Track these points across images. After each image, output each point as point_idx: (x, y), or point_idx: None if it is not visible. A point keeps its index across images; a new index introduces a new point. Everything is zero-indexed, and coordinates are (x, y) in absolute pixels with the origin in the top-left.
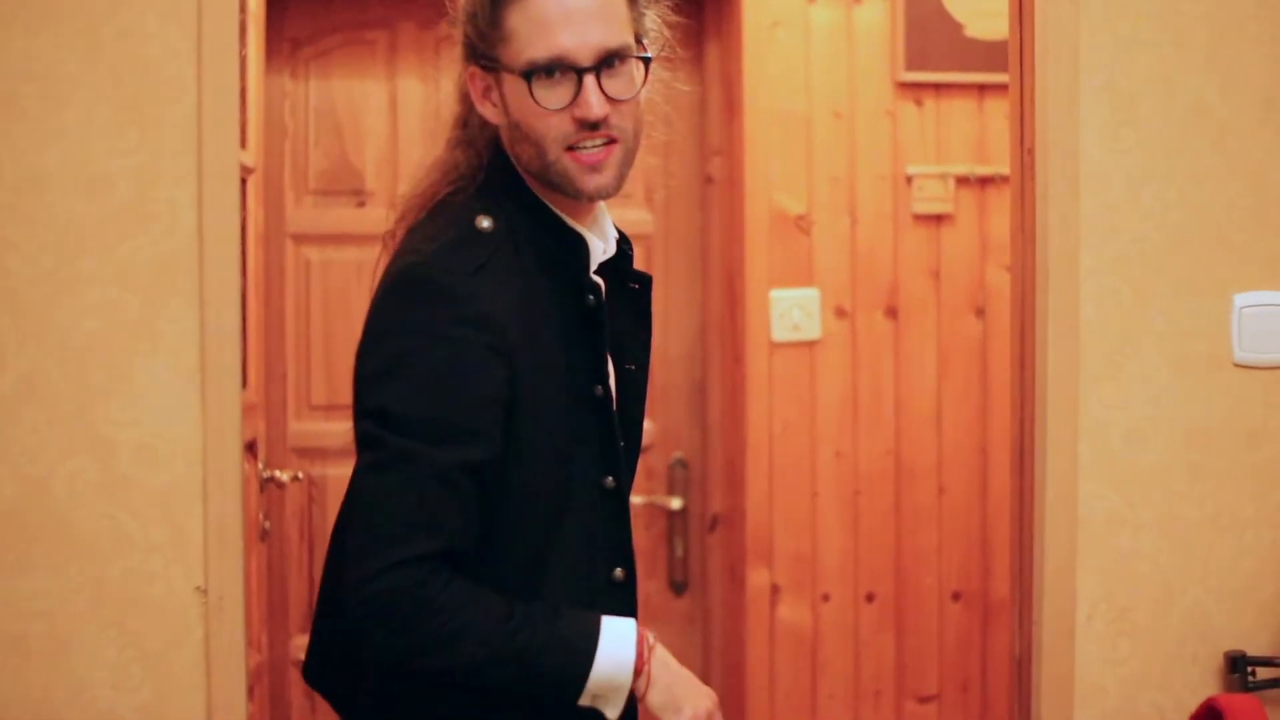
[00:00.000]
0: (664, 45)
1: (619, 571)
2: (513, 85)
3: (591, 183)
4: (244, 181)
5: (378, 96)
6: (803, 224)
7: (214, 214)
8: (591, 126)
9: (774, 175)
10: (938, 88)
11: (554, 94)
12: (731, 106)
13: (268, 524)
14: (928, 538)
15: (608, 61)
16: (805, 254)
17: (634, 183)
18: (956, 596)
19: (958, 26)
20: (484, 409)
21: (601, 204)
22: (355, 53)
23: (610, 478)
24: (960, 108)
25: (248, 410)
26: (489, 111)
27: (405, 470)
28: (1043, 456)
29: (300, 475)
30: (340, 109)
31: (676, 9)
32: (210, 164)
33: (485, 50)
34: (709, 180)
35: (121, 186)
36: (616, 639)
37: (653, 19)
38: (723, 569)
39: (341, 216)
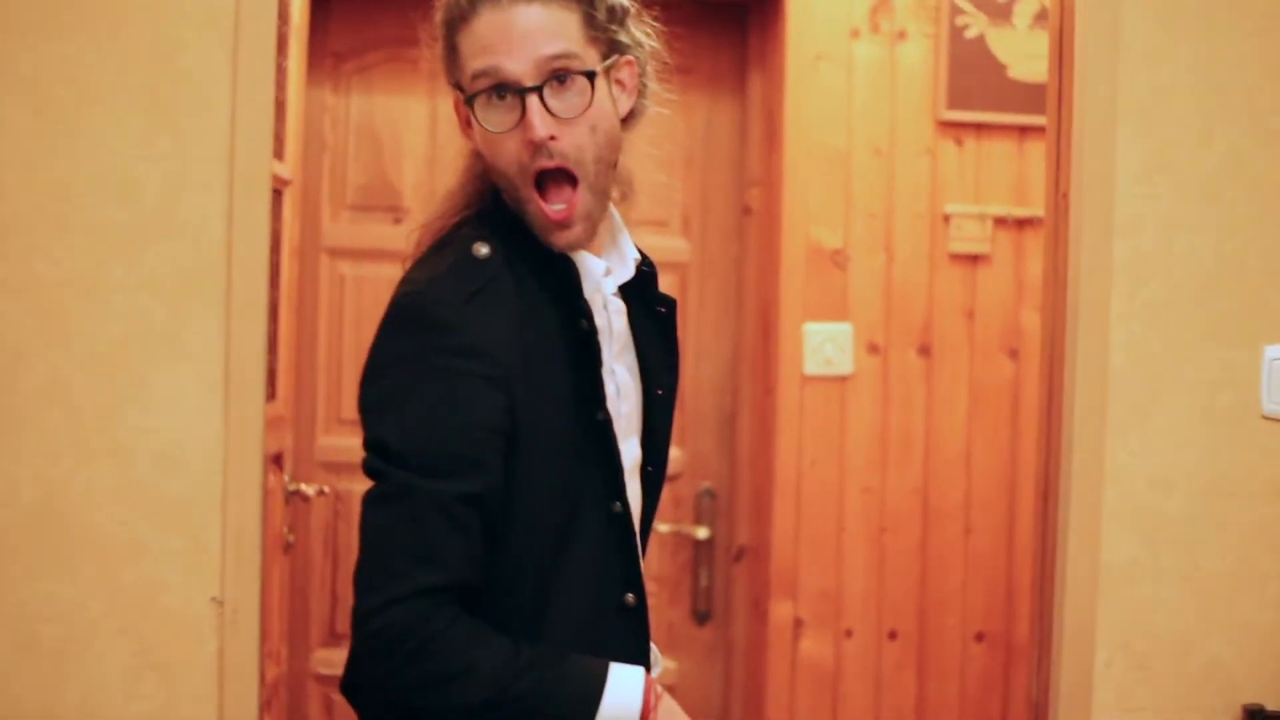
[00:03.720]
0: (654, 57)
1: (629, 597)
2: (471, 114)
3: (562, 239)
4: (280, 193)
5: (418, 114)
6: (839, 258)
7: (244, 224)
8: (547, 154)
9: (812, 208)
10: (979, 127)
11: (500, 117)
12: (772, 138)
13: (291, 536)
14: (953, 577)
15: (560, 78)
16: (840, 288)
17: (671, 210)
18: (980, 637)
19: (1001, 67)
20: (482, 438)
21: (619, 225)
22: (397, 69)
23: (617, 503)
24: (1000, 148)
25: (276, 422)
26: (471, 139)
27: (406, 504)
28: (1066, 501)
29: (326, 489)
30: (380, 125)
31: (719, 39)
32: (241, 174)
33: (453, 80)
34: (747, 211)
35: (151, 193)
36: (623, 686)
37: (634, 31)
38: (746, 600)
39: (377, 232)
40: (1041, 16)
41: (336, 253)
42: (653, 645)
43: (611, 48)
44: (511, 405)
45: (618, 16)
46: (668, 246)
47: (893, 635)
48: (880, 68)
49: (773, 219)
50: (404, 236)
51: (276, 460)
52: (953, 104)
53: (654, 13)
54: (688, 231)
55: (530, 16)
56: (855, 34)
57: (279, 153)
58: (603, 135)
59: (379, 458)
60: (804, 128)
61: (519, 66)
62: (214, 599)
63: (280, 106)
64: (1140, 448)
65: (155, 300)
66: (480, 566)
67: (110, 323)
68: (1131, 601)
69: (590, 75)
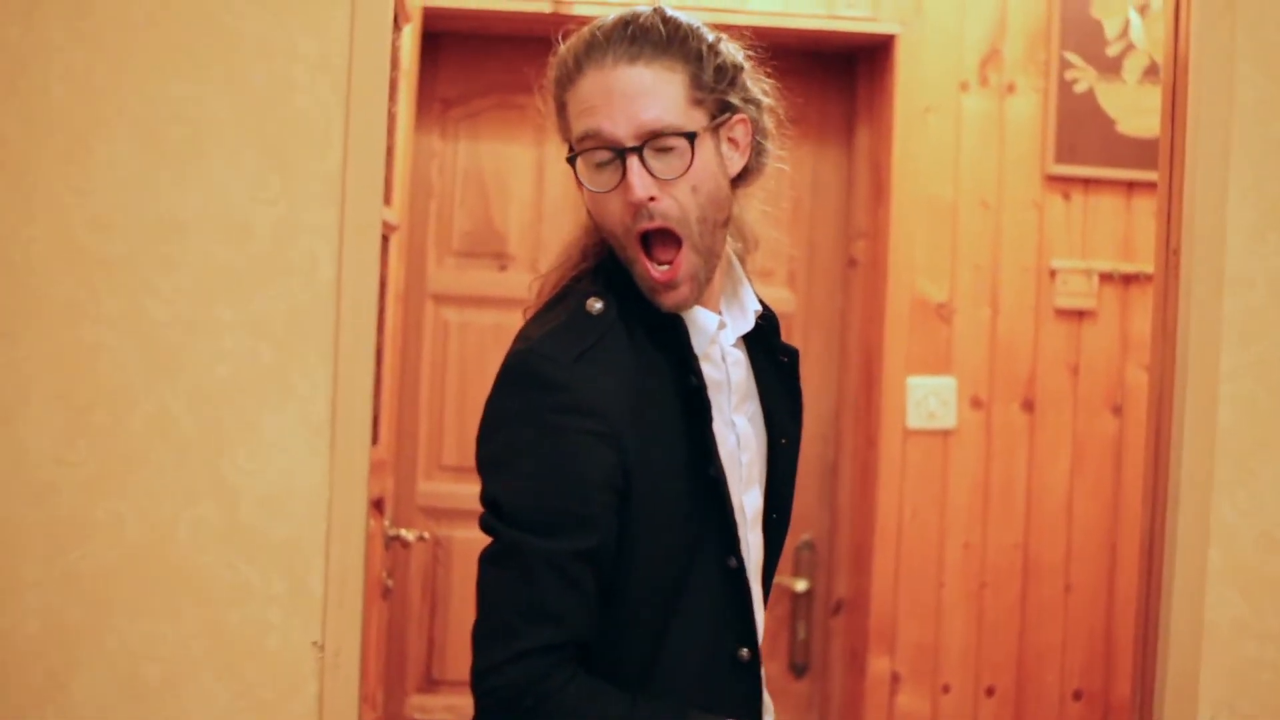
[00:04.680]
0: (771, 114)
1: (744, 651)
2: (574, 173)
3: (669, 300)
4: (386, 238)
5: (525, 161)
6: (943, 312)
7: (353, 268)
8: (647, 215)
9: (917, 261)
10: (1086, 182)
11: (602, 176)
12: (879, 190)
13: (390, 582)
14: (1052, 634)
15: (658, 141)
16: (945, 342)
17: (776, 261)
18: (1078, 695)
19: (1110, 122)
20: (593, 495)
21: (740, 276)
22: (505, 116)
23: (732, 558)
24: (1108, 204)
25: (377, 467)
26: (583, 196)
27: (519, 562)
28: (1171, 559)
29: (426, 535)
30: (487, 171)
31: (828, 90)
32: (352, 218)
33: (564, 138)
34: (852, 263)
35: (261, 235)
36: None
37: (750, 88)
38: (844, 654)
39: (482, 279)
40: (1151, 71)
41: (441, 299)
42: (765, 695)
43: (721, 107)
44: (623, 462)
45: (728, 75)
46: (773, 297)
47: (990, 691)
48: (989, 121)
49: (878, 271)
50: (509, 283)
51: (377, 505)
52: (1061, 158)
53: (767, 69)
54: (793, 283)
55: (633, 79)
56: (964, 87)
57: (387, 198)
58: (705, 196)
59: (493, 515)
60: (911, 179)
61: (620, 129)
62: (315, 643)
63: (389, 151)
64: (1247, 506)
65: (263, 342)
66: (595, 622)
67: (218, 363)
68: (1236, 661)
69: (691, 137)
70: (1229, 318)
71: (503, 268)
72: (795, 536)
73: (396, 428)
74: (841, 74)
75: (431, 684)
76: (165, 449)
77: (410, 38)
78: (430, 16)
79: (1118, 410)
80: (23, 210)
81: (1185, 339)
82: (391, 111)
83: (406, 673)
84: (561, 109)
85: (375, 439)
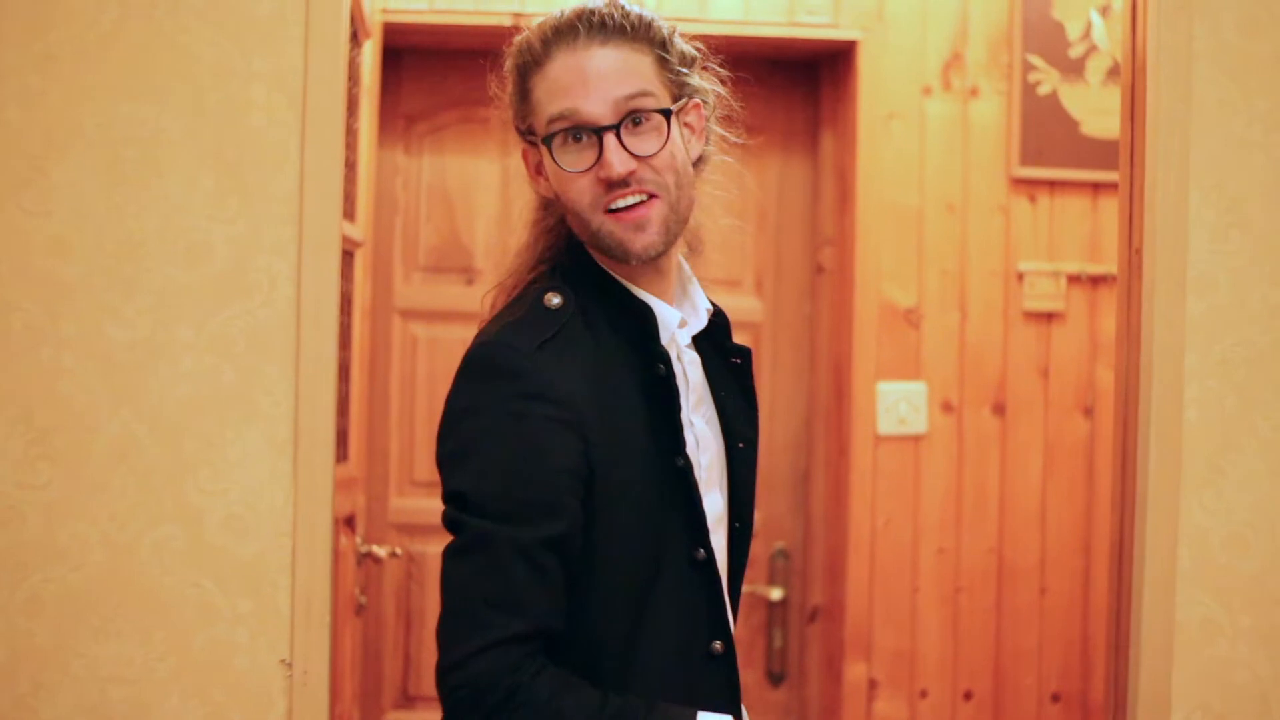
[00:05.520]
0: (720, 104)
1: (717, 644)
2: (546, 155)
3: (639, 241)
4: (352, 255)
5: (490, 175)
6: (912, 317)
7: (313, 286)
8: (622, 184)
9: (885, 266)
10: (1052, 184)
11: (577, 157)
12: (844, 196)
13: (364, 599)
14: (1028, 637)
15: (633, 119)
16: (914, 347)
17: (744, 269)
18: (1056, 698)
19: (1074, 124)
20: (558, 482)
21: (689, 275)
22: (469, 130)
23: (700, 550)
24: (1074, 205)
25: (348, 484)
26: (541, 187)
27: (486, 552)
28: (1141, 560)
29: (399, 551)
30: (452, 186)
31: (791, 98)
32: (311, 236)
33: (524, 125)
34: (819, 269)
35: (220, 254)
36: None
37: (702, 79)
38: (821, 661)
39: (450, 294)
40: (1114, 72)
41: (409, 314)
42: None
43: (682, 91)
44: (586, 449)
45: (688, 61)
46: (740, 305)
47: (968, 696)
48: (953, 125)
49: (845, 277)
50: (477, 297)
51: (349, 522)
52: (1026, 161)
53: (719, 59)
54: (760, 291)
55: (606, 58)
56: (927, 91)
57: (350, 214)
58: (678, 175)
59: (457, 508)
60: (876, 185)
61: (596, 107)
62: (283, 661)
63: (351, 168)
64: (1215, 505)
65: (224, 361)
66: (562, 612)
67: (179, 384)
68: (1208, 661)
69: (666, 113)
70: (1192, 317)
71: (470, 282)
72: (769, 545)
73: (367, 444)
74: (804, 81)
75: (408, 700)
76: (128, 470)
77: (371, 54)
78: (391, 32)
79: (1089, 412)
80: None
81: (1149, 339)
82: (353, 128)
83: (383, 690)
84: (524, 95)
85: (345, 456)
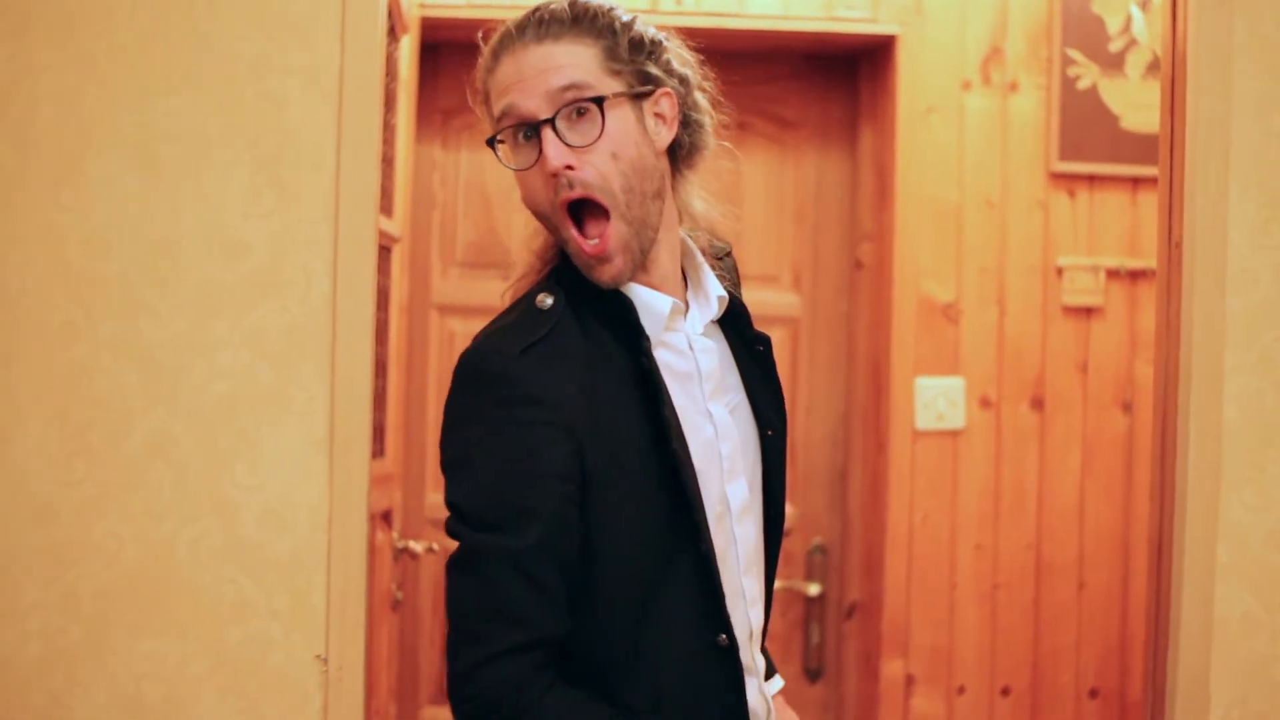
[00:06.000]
0: (688, 83)
1: (723, 638)
2: (497, 158)
3: (604, 274)
4: (389, 250)
5: None
6: (950, 312)
7: (349, 282)
8: (568, 184)
9: (923, 262)
10: (1091, 179)
11: (521, 155)
12: (883, 192)
13: (400, 594)
14: (1066, 633)
15: (577, 110)
16: (952, 342)
17: (781, 264)
18: (1094, 694)
19: (1114, 118)
20: (551, 487)
21: (700, 262)
22: None
23: (702, 543)
24: (1114, 200)
25: (384, 480)
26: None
27: (480, 566)
28: (1180, 556)
29: (435, 546)
30: (490, 181)
31: (830, 92)
32: (347, 232)
33: (492, 128)
34: (858, 265)
35: (257, 251)
36: None
37: (671, 62)
38: (858, 657)
39: (487, 289)
40: (1154, 66)
41: (446, 309)
42: (771, 690)
43: (642, 79)
44: (578, 449)
45: (645, 49)
46: (778, 301)
47: (1005, 692)
48: (992, 120)
49: (884, 273)
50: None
51: (385, 517)
52: (1065, 155)
53: (698, 50)
54: (798, 286)
55: (542, 54)
56: (967, 86)
57: (388, 209)
58: (627, 163)
59: (455, 519)
60: (915, 181)
61: (532, 102)
62: (319, 656)
63: (389, 163)
64: (1255, 502)
65: (260, 358)
66: (564, 618)
67: (215, 381)
68: (1247, 658)
69: (599, 101)
70: (1232, 312)
71: (507, 278)
72: (807, 540)
73: (404, 439)
74: (843, 76)
75: (444, 695)
76: (164, 467)
77: (409, 49)
78: (429, 27)
79: (1128, 407)
80: (14, 232)
81: (1189, 335)
82: (390, 123)
83: (419, 685)
84: (486, 100)
85: (382, 451)
